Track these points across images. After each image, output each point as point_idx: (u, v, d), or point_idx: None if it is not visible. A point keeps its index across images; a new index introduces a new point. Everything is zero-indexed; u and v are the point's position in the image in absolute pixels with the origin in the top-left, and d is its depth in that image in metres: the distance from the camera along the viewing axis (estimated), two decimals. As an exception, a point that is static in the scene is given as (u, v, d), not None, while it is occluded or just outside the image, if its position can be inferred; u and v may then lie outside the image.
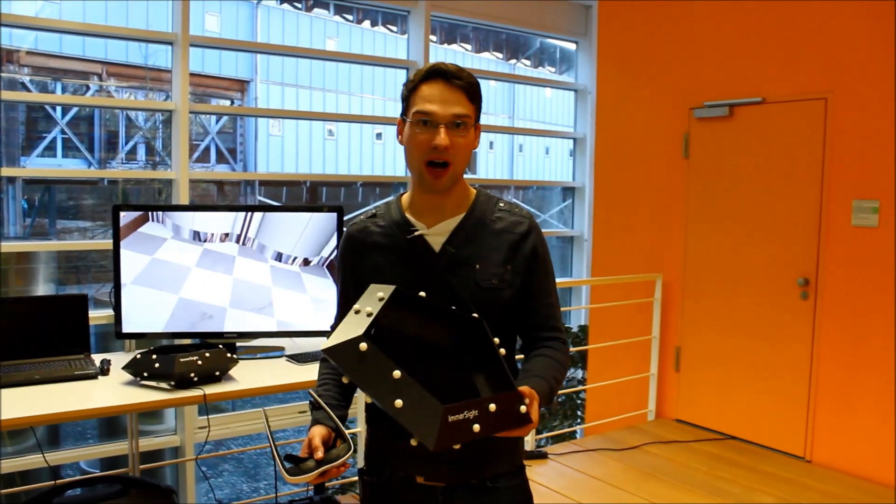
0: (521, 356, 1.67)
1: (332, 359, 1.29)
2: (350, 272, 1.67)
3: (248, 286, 3.01)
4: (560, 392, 6.26)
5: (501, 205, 1.65)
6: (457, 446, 1.28)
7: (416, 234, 1.58)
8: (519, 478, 1.66)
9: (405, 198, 1.66)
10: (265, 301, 3.02)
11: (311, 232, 3.04)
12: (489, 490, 1.59)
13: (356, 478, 1.78)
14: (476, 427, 1.27)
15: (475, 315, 1.47)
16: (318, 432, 1.46)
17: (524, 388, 1.38)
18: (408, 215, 1.62)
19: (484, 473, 1.59)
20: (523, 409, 1.34)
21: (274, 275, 3.03)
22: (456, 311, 1.49)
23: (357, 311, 1.36)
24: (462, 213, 1.61)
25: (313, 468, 1.39)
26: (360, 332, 1.27)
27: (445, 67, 1.53)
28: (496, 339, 1.45)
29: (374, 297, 1.41)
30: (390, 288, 1.43)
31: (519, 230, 1.61)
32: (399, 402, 1.23)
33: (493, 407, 1.29)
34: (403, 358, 1.44)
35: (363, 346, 1.25)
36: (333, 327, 1.74)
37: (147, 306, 2.95)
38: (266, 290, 3.02)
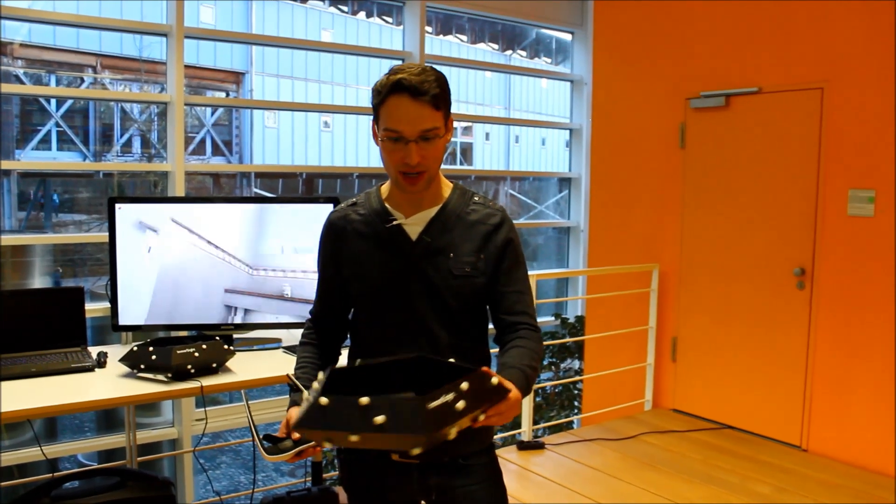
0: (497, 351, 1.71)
1: (305, 433, 1.29)
2: (330, 258, 1.74)
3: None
4: (557, 382, 6.28)
5: (476, 198, 1.72)
6: (452, 434, 1.26)
7: (395, 223, 1.66)
8: (489, 456, 1.75)
9: (385, 187, 1.73)
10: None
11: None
12: (461, 467, 1.68)
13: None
14: (460, 404, 1.25)
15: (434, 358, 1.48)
16: (296, 413, 1.51)
17: (489, 370, 1.38)
18: (387, 205, 1.69)
19: (455, 451, 1.66)
20: (494, 380, 1.33)
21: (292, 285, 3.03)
22: (410, 359, 1.50)
23: (309, 391, 1.37)
24: (438, 205, 1.68)
25: (290, 448, 1.46)
26: (314, 396, 1.29)
27: (409, 82, 1.52)
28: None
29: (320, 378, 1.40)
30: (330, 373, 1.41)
31: (492, 221, 1.68)
32: (380, 418, 1.21)
33: (464, 385, 1.28)
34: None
35: (323, 400, 1.26)
36: (312, 311, 1.82)
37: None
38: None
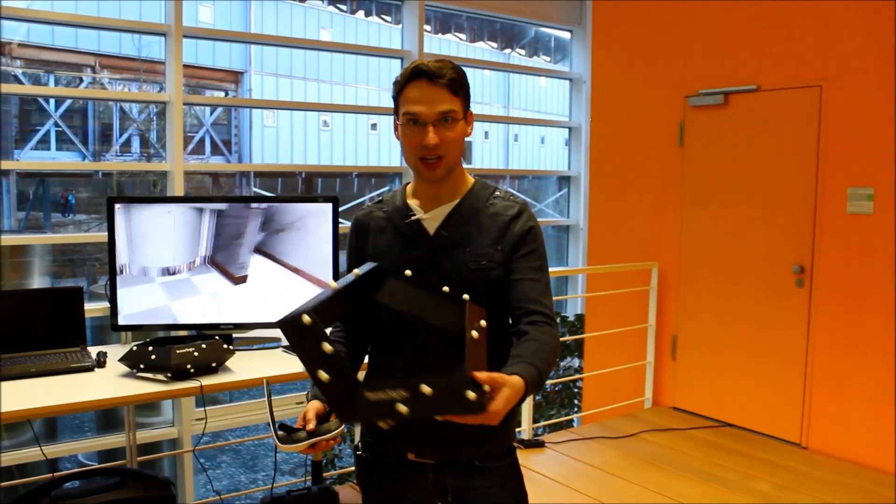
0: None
1: (281, 330, 1.34)
2: (355, 254, 1.77)
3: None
4: (557, 381, 6.29)
5: (497, 193, 1.71)
6: (384, 424, 1.32)
7: (414, 218, 1.68)
8: (508, 459, 1.72)
9: (410, 186, 1.76)
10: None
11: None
12: (477, 469, 1.66)
13: (353, 468, 1.84)
14: (402, 408, 1.24)
15: (465, 297, 1.50)
16: (314, 406, 1.55)
17: (482, 375, 1.29)
18: (409, 201, 1.72)
19: (472, 453, 1.65)
20: (471, 395, 1.25)
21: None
22: (446, 292, 1.55)
23: (331, 286, 1.49)
24: (458, 199, 1.68)
25: (304, 439, 1.48)
26: (310, 307, 1.34)
27: (426, 67, 1.57)
28: (483, 323, 1.45)
29: (351, 275, 1.54)
30: (370, 265, 1.57)
31: (510, 212, 1.67)
32: (324, 376, 1.27)
33: (426, 389, 1.25)
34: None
35: (306, 318, 1.30)
36: None
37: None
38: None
